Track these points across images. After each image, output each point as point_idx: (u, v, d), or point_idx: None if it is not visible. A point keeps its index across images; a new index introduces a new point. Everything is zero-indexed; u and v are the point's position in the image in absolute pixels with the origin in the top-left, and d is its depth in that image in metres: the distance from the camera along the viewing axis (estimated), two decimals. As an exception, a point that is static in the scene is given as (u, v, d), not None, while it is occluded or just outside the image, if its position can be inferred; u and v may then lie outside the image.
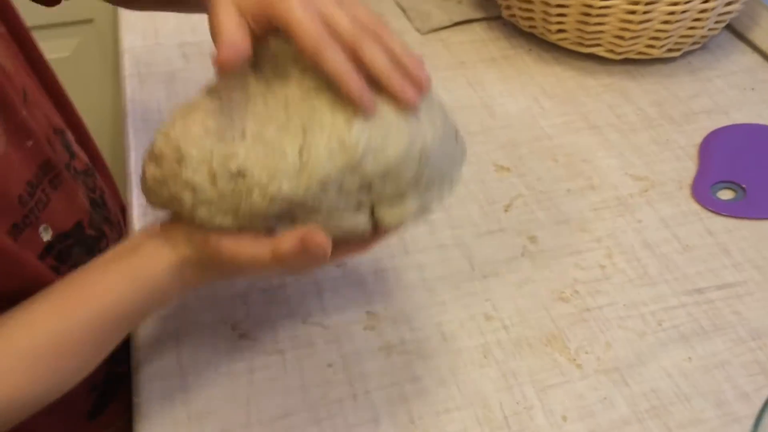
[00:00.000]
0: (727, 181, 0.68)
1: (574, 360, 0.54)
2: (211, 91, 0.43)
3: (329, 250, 0.40)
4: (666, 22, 0.77)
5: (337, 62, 0.38)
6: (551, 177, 0.69)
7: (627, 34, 0.79)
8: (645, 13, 0.76)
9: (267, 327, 0.55)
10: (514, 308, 0.57)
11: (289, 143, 0.40)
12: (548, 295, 0.58)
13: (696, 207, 0.66)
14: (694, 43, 0.83)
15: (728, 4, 0.79)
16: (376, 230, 0.42)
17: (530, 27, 0.86)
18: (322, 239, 0.39)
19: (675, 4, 0.76)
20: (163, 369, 0.52)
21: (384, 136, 0.40)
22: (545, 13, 0.81)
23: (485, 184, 0.68)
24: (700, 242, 0.62)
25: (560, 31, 0.82)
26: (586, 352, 0.54)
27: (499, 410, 0.51)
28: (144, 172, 0.43)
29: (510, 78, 0.82)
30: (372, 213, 0.42)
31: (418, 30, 0.91)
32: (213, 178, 0.40)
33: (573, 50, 0.84)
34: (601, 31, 0.80)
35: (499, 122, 0.76)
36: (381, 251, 0.62)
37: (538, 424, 0.50)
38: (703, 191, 0.67)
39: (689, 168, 0.70)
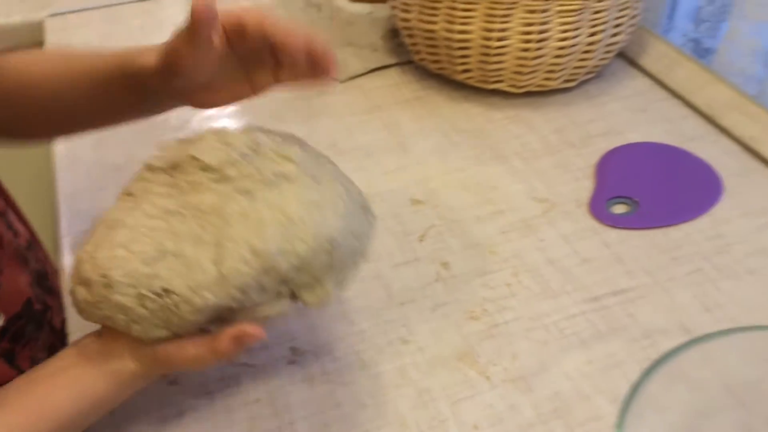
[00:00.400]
0: (621, 197, 0.74)
1: (484, 373, 0.58)
2: (130, 197, 0.48)
3: (263, 333, 0.45)
4: (558, 56, 0.84)
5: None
6: (462, 206, 0.74)
7: (524, 69, 0.85)
8: (538, 49, 0.83)
9: (195, 372, 0.58)
10: (429, 330, 0.62)
11: (206, 257, 0.44)
12: (460, 316, 0.63)
13: (593, 222, 0.71)
14: (588, 73, 0.90)
15: (615, 35, 0.87)
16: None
17: (439, 69, 0.92)
18: (254, 330, 0.45)
19: (564, 39, 0.82)
20: (97, 420, 0.55)
21: (292, 237, 0.45)
22: (450, 55, 0.87)
23: (401, 218, 0.73)
24: (597, 254, 0.68)
25: (465, 71, 0.89)
26: (495, 365, 0.58)
27: (415, 427, 0.54)
28: (75, 295, 0.47)
29: (423, 117, 0.88)
30: (293, 296, 0.47)
31: (336, 79, 0.96)
32: (141, 299, 0.44)
33: (479, 87, 0.90)
34: (501, 68, 0.86)
35: (413, 159, 0.81)
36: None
37: (452, 435, 0.54)
38: (599, 207, 0.72)
39: (587, 187, 0.76)
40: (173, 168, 0.48)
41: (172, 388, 0.57)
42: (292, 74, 0.51)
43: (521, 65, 0.85)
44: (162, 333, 0.45)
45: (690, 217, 0.71)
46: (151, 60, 0.50)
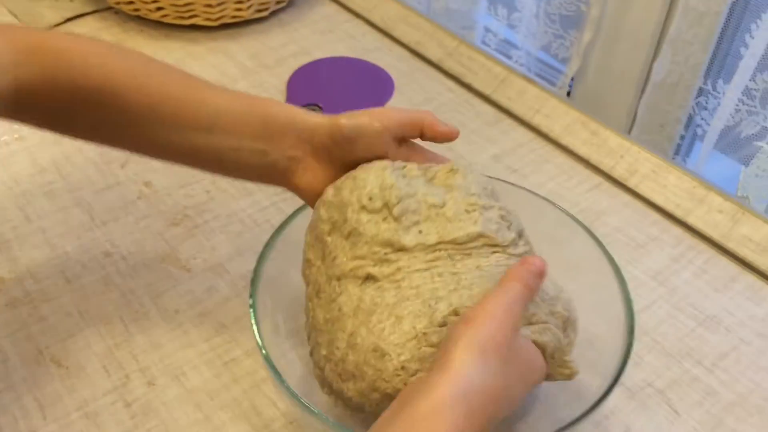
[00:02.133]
0: (309, 104, 0.82)
1: (185, 266, 0.63)
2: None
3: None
4: (241, -15, 0.90)
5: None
6: (163, 131, 0.78)
7: (213, 2, 0.90)
8: (220, -20, 0.88)
9: None
10: (132, 241, 0.66)
11: None
12: (162, 224, 0.67)
13: (283, 129, 0.79)
14: (278, 2, 0.96)
15: (294, -36, 0.94)
16: None
17: (134, 11, 0.94)
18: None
19: (244, -31, 0.88)
20: None
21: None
22: (139, -6, 0.90)
23: (101, 149, 0.75)
24: (287, 154, 0.75)
25: (159, 9, 0.91)
26: (195, 258, 0.64)
27: (119, 321, 0.58)
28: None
29: (123, 58, 0.90)
30: None
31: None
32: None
33: (177, 24, 0.93)
34: (191, 2, 0.90)
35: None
36: (2, 224, 0.66)
37: (154, 321, 0.58)
38: (288, 115, 0.80)
39: (280, 100, 0.83)
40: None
41: None
42: None
43: (209, -3, 0.89)
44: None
45: (366, 114, 0.81)
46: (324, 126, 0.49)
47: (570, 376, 0.46)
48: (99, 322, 0.58)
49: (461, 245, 0.44)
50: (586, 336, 0.50)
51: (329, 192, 0.48)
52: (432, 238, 0.44)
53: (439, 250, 0.44)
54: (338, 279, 0.44)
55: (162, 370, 0.55)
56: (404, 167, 0.48)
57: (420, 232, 0.44)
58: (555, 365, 0.44)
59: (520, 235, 0.48)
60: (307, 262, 0.48)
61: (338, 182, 0.48)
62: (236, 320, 0.59)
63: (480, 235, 0.45)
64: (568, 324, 0.45)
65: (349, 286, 0.44)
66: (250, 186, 0.71)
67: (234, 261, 0.64)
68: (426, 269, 0.43)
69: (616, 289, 0.50)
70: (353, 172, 0.47)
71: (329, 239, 0.46)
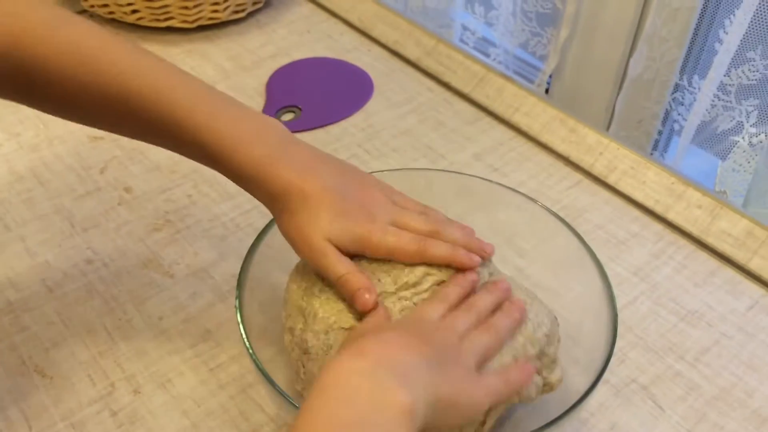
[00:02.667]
0: (288, 106, 0.82)
1: (167, 272, 0.63)
2: None
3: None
4: (218, -13, 0.89)
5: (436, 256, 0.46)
6: (142, 136, 0.77)
7: (189, 4, 0.89)
8: (196, -18, 0.87)
9: None
10: (114, 248, 0.65)
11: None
12: (144, 230, 0.67)
13: (264, 131, 0.78)
14: (255, 3, 0.96)
15: (271, -35, 0.94)
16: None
17: (109, 14, 0.93)
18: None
19: (220, -30, 0.88)
20: None
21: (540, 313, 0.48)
22: (114, -3, 0.89)
23: (80, 155, 0.75)
24: (268, 157, 0.75)
25: (134, 11, 0.91)
26: (178, 264, 0.64)
27: (103, 329, 0.58)
28: None
29: (99, 61, 0.89)
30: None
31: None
32: None
33: (153, 27, 0.92)
34: (167, 5, 0.89)
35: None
36: (-20, 234, 0.65)
37: (138, 329, 0.58)
38: (268, 118, 0.80)
39: (260, 103, 0.83)
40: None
41: None
42: None
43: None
44: None
45: (347, 115, 0.81)
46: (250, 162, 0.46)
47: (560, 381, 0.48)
48: (82, 331, 0.58)
49: (415, 286, 0.46)
50: (570, 333, 0.51)
51: (296, 269, 0.50)
52: (390, 287, 0.46)
53: (403, 299, 0.46)
54: (326, 333, 0.45)
55: (147, 377, 0.55)
56: None
57: (379, 280, 0.46)
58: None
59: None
60: (289, 331, 0.48)
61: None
62: (221, 325, 0.59)
63: (426, 273, 0.47)
64: (546, 350, 0.47)
65: (339, 336, 0.45)
66: (232, 189, 0.71)
67: (217, 266, 0.64)
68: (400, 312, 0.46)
69: (599, 286, 0.50)
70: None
71: (304, 303, 0.47)
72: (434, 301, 0.45)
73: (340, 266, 0.45)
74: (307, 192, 0.46)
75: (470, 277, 0.47)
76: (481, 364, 0.43)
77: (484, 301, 0.46)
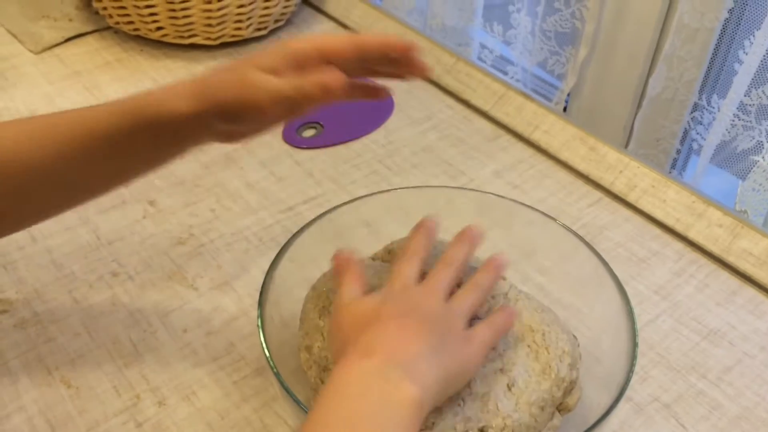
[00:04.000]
0: (309, 122, 0.83)
1: (192, 285, 0.64)
2: None
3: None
4: (241, 5, 0.90)
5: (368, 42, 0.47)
6: (166, 150, 0.78)
7: (213, 21, 0.91)
8: (219, 0, 0.89)
9: None
10: (139, 260, 0.66)
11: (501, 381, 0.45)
12: (168, 243, 0.68)
13: (286, 147, 0.79)
14: (277, 21, 0.97)
15: (294, -16, 0.95)
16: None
17: (134, 30, 0.94)
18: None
19: (244, -11, 0.89)
20: None
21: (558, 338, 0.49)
22: (139, 15, 0.90)
23: (106, 169, 0.76)
24: (290, 173, 0.76)
25: (159, 28, 0.92)
26: (201, 277, 0.64)
27: (128, 341, 0.59)
28: None
29: (124, 78, 0.90)
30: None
31: (31, 51, 0.95)
32: None
33: (177, 43, 0.94)
34: (191, 22, 0.91)
35: (116, 116, 0.83)
36: (8, 245, 0.66)
37: (162, 341, 0.59)
38: (290, 134, 0.81)
39: (281, 119, 0.84)
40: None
41: None
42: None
43: (208, 17, 0.90)
44: None
45: (368, 131, 0.82)
46: (182, 106, 0.46)
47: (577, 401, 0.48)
48: (108, 342, 0.59)
49: None
50: (591, 351, 0.51)
51: (312, 290, 0.53)
52: None
53: None
54: None
55: (172, 389, 0.55)
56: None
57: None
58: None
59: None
60: (306, 350, 0.49)
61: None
62: (244, 339, 0.59)
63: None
64: (567, 377, 0.47)
65: None
66: (255, 204, 0.72)
67: (240, 279, 0.64)
68: None
69: (619, 304, 0.51)
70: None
71: (322, 323, 0.49)
72: (406, 259, 0.47)
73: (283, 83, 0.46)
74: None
75: (428, 224, 0.49)
76: (470, 321, 0.45)
77: (458, 252, 0.47)
